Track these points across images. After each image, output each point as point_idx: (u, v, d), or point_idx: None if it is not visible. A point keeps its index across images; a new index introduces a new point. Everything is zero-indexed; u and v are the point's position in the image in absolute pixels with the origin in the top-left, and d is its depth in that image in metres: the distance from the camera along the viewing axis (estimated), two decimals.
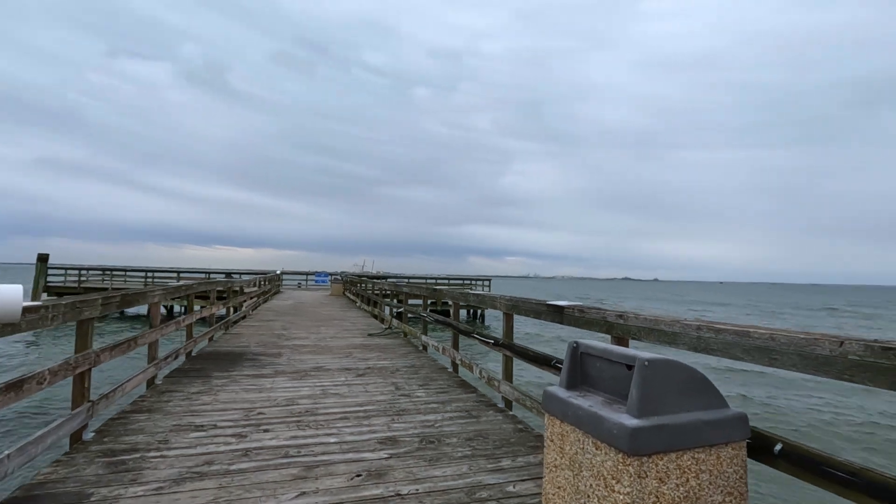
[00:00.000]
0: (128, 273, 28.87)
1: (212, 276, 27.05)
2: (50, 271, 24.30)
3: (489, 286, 30.18)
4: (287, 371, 5.77)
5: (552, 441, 2.09)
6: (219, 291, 10.31)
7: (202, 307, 7.90)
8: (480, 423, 3.94)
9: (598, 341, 2.08)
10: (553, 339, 19.76)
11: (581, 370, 2.13)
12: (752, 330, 1.95)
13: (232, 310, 10.27)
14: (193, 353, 6.72)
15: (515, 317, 4.45)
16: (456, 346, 6.08)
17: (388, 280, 23.93)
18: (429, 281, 33.82)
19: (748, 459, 1.87)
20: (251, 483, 2.77)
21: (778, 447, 1.80)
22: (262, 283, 17.97)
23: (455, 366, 6.05)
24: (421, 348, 7.70)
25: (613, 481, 1.71)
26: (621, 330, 2.77)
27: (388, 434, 3.62)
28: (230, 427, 3.71)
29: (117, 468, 2.93)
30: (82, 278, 25.54)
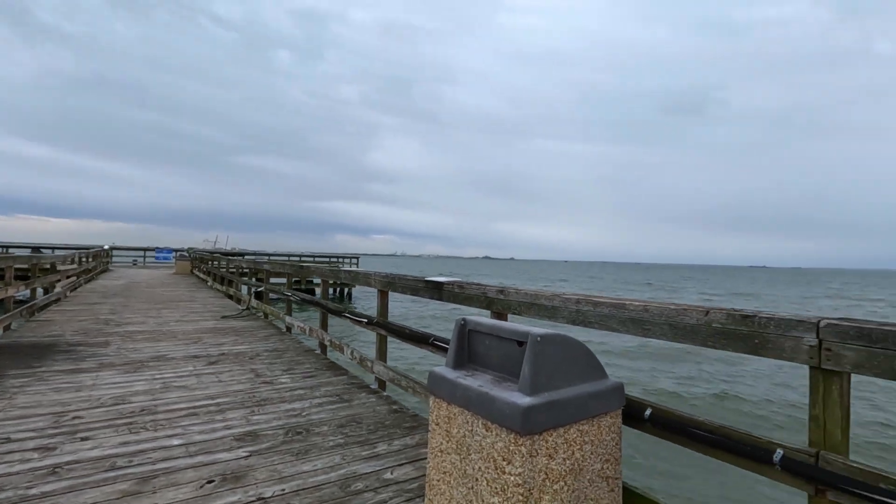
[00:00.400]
0: None
1: (10, 250, 22.00)
2: None
3: (357, 264, 29.62)
4: (116, 363, 4.83)
5: (437, 425, 1.97)
6: (19, 269, 8.32)
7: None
8: (353, 408, 3.70)
9: (487, 318, 1.99)
10: (427, 317, 20.08)
11: (469, 348, 2.02)
12: (627, 302, 2.03)
13: (41, 291, 8.37)
14: None
15: (390, 295, 4.26)
16: (325, 326, 5.71)
17: (246, 257, 21.95)
18: (292, 259, 31.90)
19: (623, 426, 1.96)
20: None
21: (648, 412, 1.90)
22: (84, 259, 15.12)
23: (324, 347, 5.68)
24: (285, 330, 7.12)
25: (504, 462, 1.63)
26: (502, 305, 2.75)
27: (248, 429, 3.19)
28: (32, 439, 2.92)
29: None
30: None
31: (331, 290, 26.25)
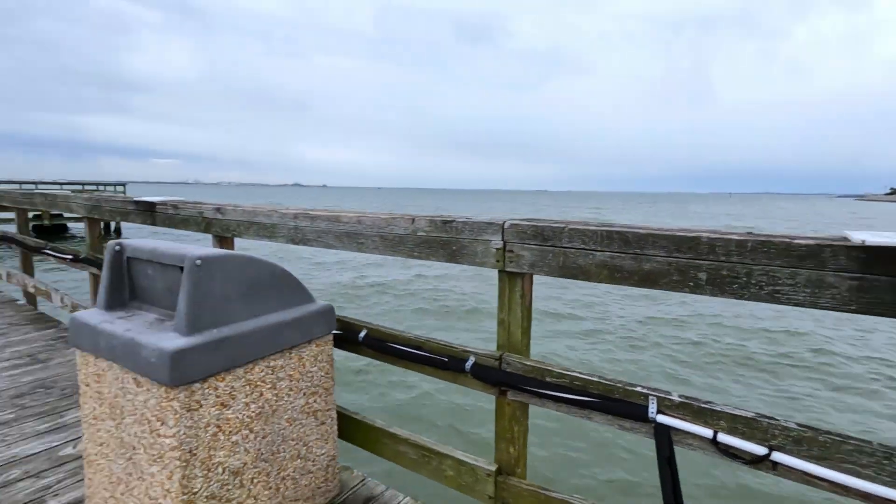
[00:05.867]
0: None
1: None
2: None
3: (124, 191, 24.53)
4: None
5: (88, 385, 1.47)
6: None
7: None
8: (49, 369, 2.86)
9: (149, 240, 1.50)
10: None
11: (132, 282, 1.52)
12: (342, 214, 1.76)
13: None
14: None
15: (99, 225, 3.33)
16: (28, 269, 4.35)
17: None
18: (25, 187, 24.66)
19: (337, 351, 1.75)
20: None
21: (362, 334, 1.73)
22: None
23: (30, 296, 4.37)
24: None
25: (159, 423, 1.26)
26: (221, 227, 2.26)
27: None
28: None
29: None
30: None
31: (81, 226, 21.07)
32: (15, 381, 2.68)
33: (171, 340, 1.23)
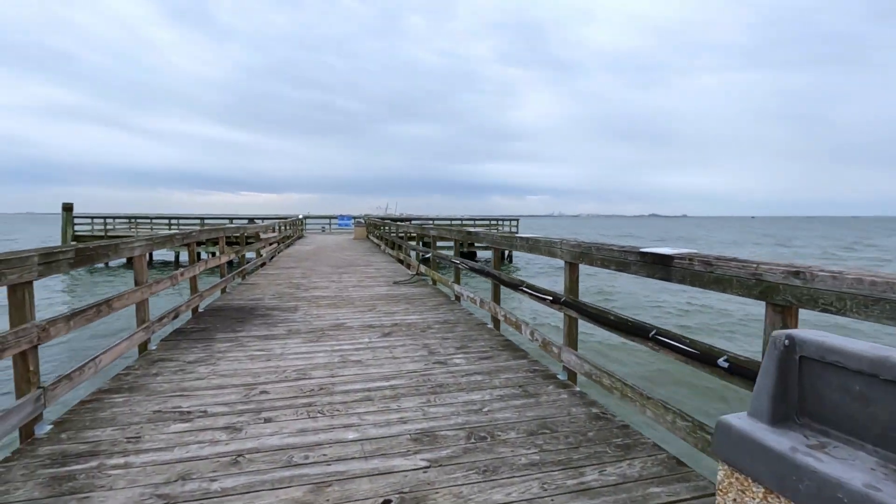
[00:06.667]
0: (153, 220, 28.75)
1: (234, 221, 26.66)
2: (76, 220, 24.28)
3: (517, 227, 29.01)
4: (302, 330, 4.97)
5: None
6: (230, 238, 9.55)
7: (212, 255, 7.13)
8: (542, 406, 3.04)
9: (846, 339, 1.05)
10: (619, 293, 15.89)
11: (803, 392, 1.12)
12: None
13: (245, 258, 9.54)
14: (200, 309, 6.00)
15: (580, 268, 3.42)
16: (497, 298, 5.14)
17: (413, 222, 23.06)
18: (454, 223, 32.77)
19: None
20: None
21: None
22: (283, 227, 17.30)
23: (497, 322, 5.15)
24: (454, 299, 6.83)
25: None
26: (796, 295, 1.72)
27: (424, 425, 2.76)
28: (223, 414, 2.91)
29: (60, 488, 2.14)
30: (108, 227, 25.48)
31: (487, 254, 26.07)
32: (521, 415, 2.92)
33: None
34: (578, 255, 3.27)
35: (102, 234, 24.25)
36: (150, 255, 20.54)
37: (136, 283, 4.23)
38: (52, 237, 43.12)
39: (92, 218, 25.52)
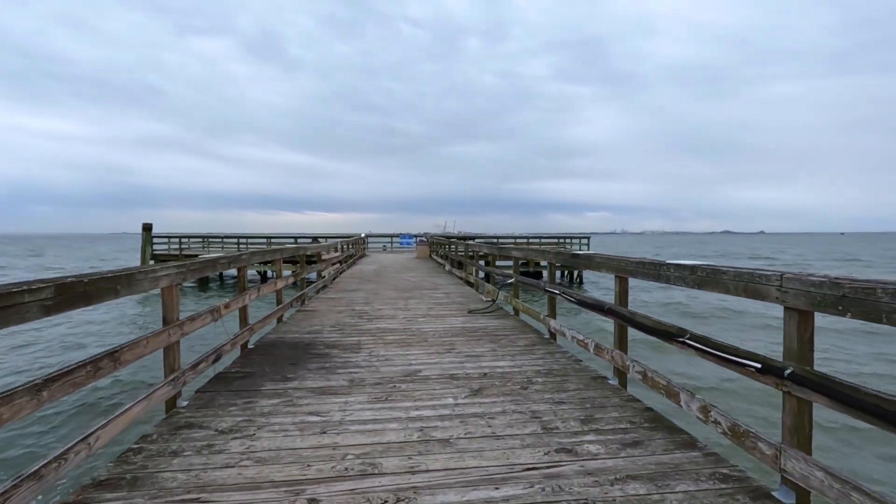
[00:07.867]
0: (224, 240, 29.59)
1: (299, 240, 26.79)
2: (154, 239, 25.29)
3: (588, 245, 27.06)
4: (367, 381, 3.89)
5: None
6: (288, 259, 8.82)
7: (275, 274, 6.31)
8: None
9: None
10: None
11: None
12: None
13: (305, 282, 8.74)
14: (250, 345, 5.12)
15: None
16: (623, 346, 3.81)
17: (477, 240, 21.91)
18: (518, 241, 31.28)
19: None
20: None
21: None
22: (346, 247, 16.74)
23: (622, 375, 3.80)
24: (547, 336, 5.54)
25: None
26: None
27: None
28: None
29: None
30: (183, 246, 26.38)
31: (557, 273, 23.96)
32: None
33: None
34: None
35: (178, 252, 25.08)
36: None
37: (165, 322, 3.33)
38: (104, 259, 45.96)
39: (168, 238, 26.55)
